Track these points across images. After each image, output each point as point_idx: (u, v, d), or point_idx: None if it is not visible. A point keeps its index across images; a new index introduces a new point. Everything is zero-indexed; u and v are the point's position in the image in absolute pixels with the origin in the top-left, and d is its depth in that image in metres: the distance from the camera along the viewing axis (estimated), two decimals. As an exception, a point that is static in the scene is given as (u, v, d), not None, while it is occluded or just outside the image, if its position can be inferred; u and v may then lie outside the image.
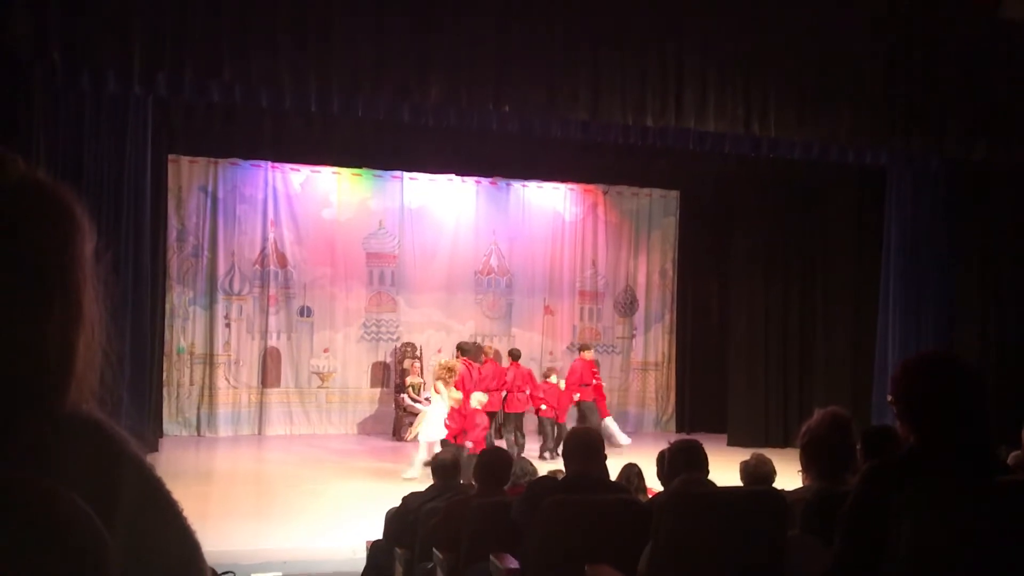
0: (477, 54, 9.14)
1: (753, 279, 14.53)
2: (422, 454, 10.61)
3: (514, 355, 12.52)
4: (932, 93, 10.42)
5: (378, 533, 6.38)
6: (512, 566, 4.04)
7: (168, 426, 13.34)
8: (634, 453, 12.29)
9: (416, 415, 13.52)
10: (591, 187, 15.64)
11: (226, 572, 2.28)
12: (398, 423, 13.89)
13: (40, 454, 0.70)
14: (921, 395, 2.32)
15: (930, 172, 11.48)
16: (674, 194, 16.02)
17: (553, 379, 12.50)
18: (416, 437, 10.96)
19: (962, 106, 10.46)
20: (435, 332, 14.80)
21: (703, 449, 4.54)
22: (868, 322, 12.75)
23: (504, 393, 11.92)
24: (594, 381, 12.87)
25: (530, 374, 12.44)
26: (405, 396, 13.76)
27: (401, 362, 14.33)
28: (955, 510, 2.15)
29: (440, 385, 10.60)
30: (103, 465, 0.73)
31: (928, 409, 2.29)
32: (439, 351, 14.47)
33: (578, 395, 12.56)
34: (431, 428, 10.67)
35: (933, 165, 11.33)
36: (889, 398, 2.41)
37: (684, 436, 6.64)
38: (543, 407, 12.24)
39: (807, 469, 3.72)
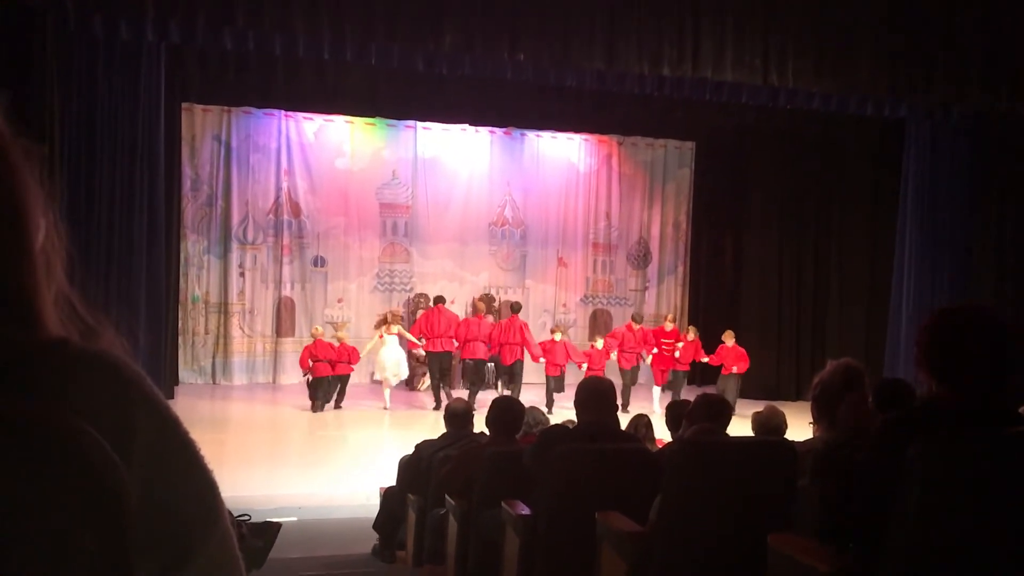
0: (492, 1, 9.02)
1: (768, 232, 14.46)
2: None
3: (514, 308, 12.79)
4: (953, 43, 10.24)
5: (391, 480, 6.46)
6: (524, 513, 4.08)
7: (183, 374, 13.47)
8: (644, 405, 12.36)
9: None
10: (606, 138, 15.51)
11: (242, 515, 2.32)
12: (411, 373, 13.99)
13: (54, 389, 0.70)
14: (948, 346, 2.29)
15: (950, 124, 11.33)
16: (689, 145, 15.87)
17: (558, 336, 12.56)
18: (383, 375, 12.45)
19: (984, 57, 10.28)
20: (448, 283, 14.80)
21: (728, 405, 4.58)
22: (883, 275, 12.69)
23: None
24: (655, 350, 12.94)
25: (524, 327, 12.56)
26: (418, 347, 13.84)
27: (414, 313, 14.38)
28: (966, 461, 2.16)
29: (385, 330, 12.42)
30: (118, 403, 0.73)
31: (953, 360, 2.27)
32: (452, 302, 14.50)
33: (614, 354, 12.65)
34: (398, 367, 12.38)
35: (953, 117, 11.17)
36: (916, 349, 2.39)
37: (708, 391, 6.68)
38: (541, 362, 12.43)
39: (818, 420, 3.73)
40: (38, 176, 0.80)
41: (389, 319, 12.72)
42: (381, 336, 12.40)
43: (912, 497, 2.15)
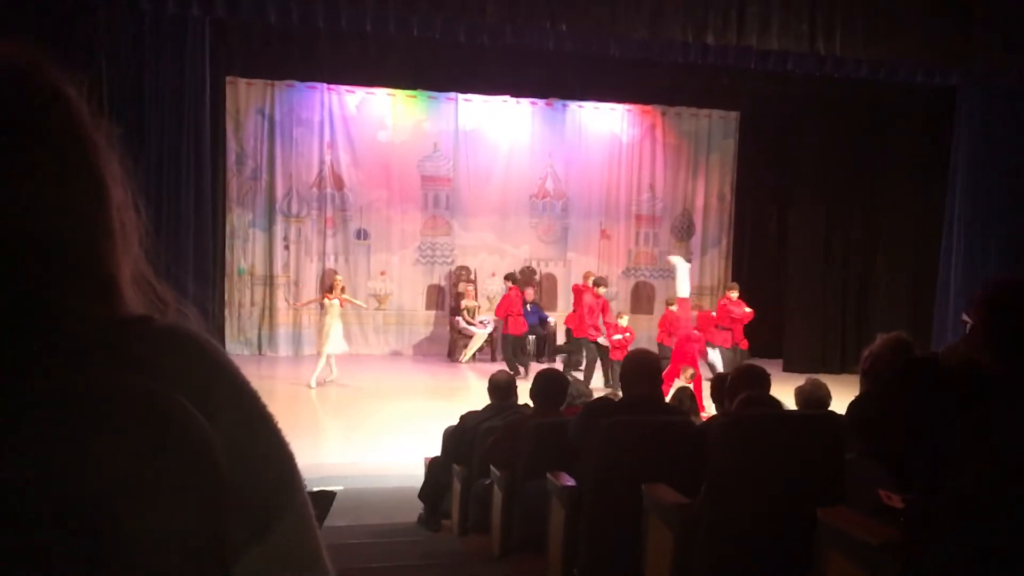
0: (534, -29, 8.95)
1: (813, 202, 14.26)
2: (323, 365, 11.57)
3: (513, 279, 12.93)
4: (1006, 9, 9.97)
5: (436, 450, 6.53)
6: (569, 484, 4.11)
7: (230, 345, 13.66)
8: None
9: (470, 337, 13.75)
10: (649, 108, 15.35)
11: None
12: (453, 345, 14.08)
13: (143, 364, 0.72)
14: (1015, 320, 2.21)
15: (1002, 92, 11.06)
16: (734, 115, 15.67)
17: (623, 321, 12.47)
18: (328, 350, 11.63)
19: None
20: (489, 255, 14.83)
21: (767, 374, 4.56)
22: (930, 247, 12.48)
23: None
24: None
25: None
26: (460, 319, 13.92)
27: (456, 285, 14.44)
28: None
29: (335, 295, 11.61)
30: (202, 377, 0.75)
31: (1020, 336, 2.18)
32: (493, 275, 14.54)
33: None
34: (337, 342, 11.59)
35: (1005, 85, 10.90)
36: (966, 318, 2.32)
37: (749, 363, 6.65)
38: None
39: (868, 394, 3.70)
40: (120, 156, 0.82)
41: (342, 286, 11.91)
42: (328, 298, 11.65)
43: (965, 475, 2.13)
